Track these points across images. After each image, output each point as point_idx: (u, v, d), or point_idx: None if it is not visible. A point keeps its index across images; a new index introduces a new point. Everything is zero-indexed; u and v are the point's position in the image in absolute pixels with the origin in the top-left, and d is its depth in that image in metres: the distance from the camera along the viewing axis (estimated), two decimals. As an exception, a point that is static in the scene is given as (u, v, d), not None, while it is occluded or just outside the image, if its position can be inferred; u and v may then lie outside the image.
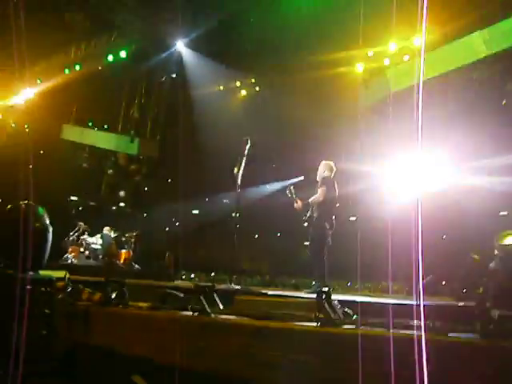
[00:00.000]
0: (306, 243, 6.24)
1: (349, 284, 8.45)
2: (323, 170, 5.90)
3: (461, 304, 3.04)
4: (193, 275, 9.72)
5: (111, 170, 12.07)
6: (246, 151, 5.03)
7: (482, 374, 1.54)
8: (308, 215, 5.66)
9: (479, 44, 7.38)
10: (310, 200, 5.66)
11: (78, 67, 10.46)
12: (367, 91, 8.76)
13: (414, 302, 2.66)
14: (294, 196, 5.74)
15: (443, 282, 7.36)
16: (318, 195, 5.60)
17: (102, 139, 12.08)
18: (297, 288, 7.46)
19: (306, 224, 5.71)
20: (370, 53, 9.06)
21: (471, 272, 3.07)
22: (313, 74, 9.21)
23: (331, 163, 5.97)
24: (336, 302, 2.38)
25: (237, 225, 5.75)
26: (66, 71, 10.55)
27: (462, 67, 7.74)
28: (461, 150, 8.00)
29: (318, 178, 5.86)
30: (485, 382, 1.53)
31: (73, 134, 12.47)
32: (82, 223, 9.40)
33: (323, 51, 8.70)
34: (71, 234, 9.18)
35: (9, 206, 3.12)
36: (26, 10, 7.96)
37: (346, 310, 2.36)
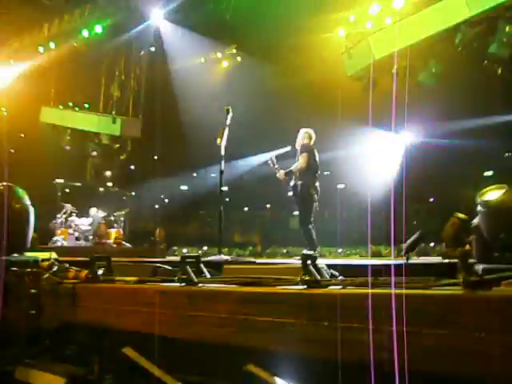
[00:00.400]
0: (295, 213, 6.26)
1: (340, 251, 8.57)
2: (302, 137, 5.86)
3: (446, 260, 3.09)
4: (185, 250, 9.77)
5: (95, 152, 11.86)
6: (228, 120, 4.95)
7: (464, 326, 1.55)
8: (292, 184, 5.65)
9: (461, 6, 7.24)
10: (292, 168, 5.62)
11: (52, 45, 10.13)
12: (350, 60, 8.60)
13: (398, 262, 2.69)
14: (276, 166, 5.71)
15: (432, 244, 7.51)
16: (300, 162, 5.57)
17: (83, 121, 11.79)
18: (289, 256, 7.55)
19: (290, 193, 5.71)
20: (352, 17, 8.89)
21: (457, 230, 3.10)
22: (295, 42, 9.04)
23: (310, 131, 5.92)
24: (324, 265, 2.39)
25: (225, 198, 5.72)
26: (41, 50, 10.22)
27: (444, 30, 7.62)
28: (444, 114, 8.01)
29: (297, 146, 5.82)
30: (467, 334, 1.55)
31: (52, 116, 12.17)
32: (68, 205, 9.31)
33: (304, 17, 8.51)
34: (58, 216, 9.09)
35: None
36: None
37: (332, 272, 2.38)
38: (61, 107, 12.30)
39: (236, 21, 9.16)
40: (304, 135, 5.86)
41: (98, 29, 9.51)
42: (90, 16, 9.34)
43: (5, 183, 3.42)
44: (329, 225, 8.29)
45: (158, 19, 9.45)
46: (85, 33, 9.71)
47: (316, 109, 8.86)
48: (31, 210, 3.31)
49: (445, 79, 8.09)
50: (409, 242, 3.11)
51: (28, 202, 3.35)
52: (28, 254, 3.33)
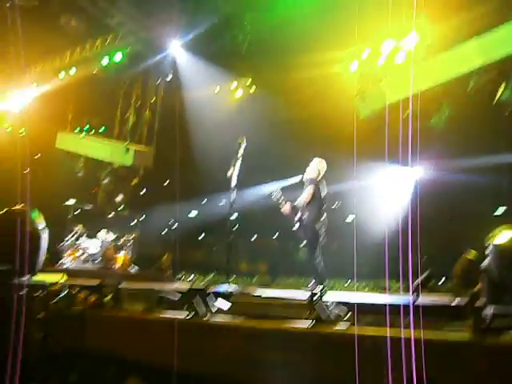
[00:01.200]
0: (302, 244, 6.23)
1: (349, 282, 8.45)
2: (312, 170, 5.85)
3: (455, 303, 3.05)
4: (191, 276, 9.72)
5: (107, 180, 12.00)
6: (240, 153, 5.01)
7: (474, 371, 1.54)
8: (297, 218, 5.64)
9: (475, 53, 7.37)
10: (296, 203, 5.63)
11: (72, 71, 10.46)
12: (363, 103, 8.71)
13: (407, 301, 2.66)
14: (281, 200, 5.71)
15: (442, 279, 7.39)
16: (305, 197, 5.57)
17: (97, 149, 11.96)
18: (296, 287, 7.47)
19: (296, 227, 5.69)
20: (364, 54, 9.07)
21: (467, 270, 3.07)
22: (307, 75, 9.22)
23: (323, 162, 5.94)
24: (331, 302, 2.38)
25: (234, 226, 5.73)
26: (62, 75, 10.55)
27: (459, 76, 7.76)
28: (455, 152, 8.06)
29: (305, 178, 5.83)
30: (478, 380, 1.53)
31: (68, 142, 12.42)
32: (78, 227, 9.39)
33: (318, 50, 8.71)
34: (68, 238, 9.16)
35: (2, 211, 3.11)
36: (21, 13, 7.99)
37: (338, 310, 2.36)
38: (76, 134, 12.54)
39: (251, 53, 9.40)
40: (314, 167, 5.87)
41: (118, 57, 9.82)
42: (110, 45, 9.67)
43: (19, 206, 3.48)
44: (338, 257, 8.24)
45: (175, 49, 9.72)
46: (105, 61, 10.03)
47: (327, 141, 8.95)
48: (45, 233, 3.35)
49: (457, 121, 8.20)
50: (419, 279, 3.09)
51: (42, 225, 3.39)
52: (37, 277, 3.35)
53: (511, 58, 7.08)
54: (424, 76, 7.70)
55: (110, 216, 11.12)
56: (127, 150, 11.12)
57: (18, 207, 3.37)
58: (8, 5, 7.86)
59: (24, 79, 10.16)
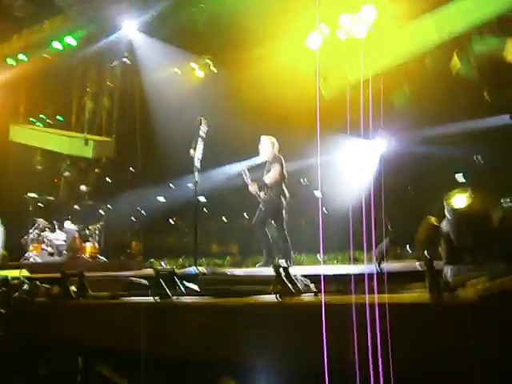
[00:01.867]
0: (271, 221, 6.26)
1: (318, 256, 8.63)
2: (269, 146, 5.85)
3: (418, 267, 3.15)
4: (162, 263, 9.65)
5: (68, 172, 11.54)
6: (202, 131, 4.94)
7: (433, 331, 1.60)
8: (264, 195, 5.67)
9: (431, 30, 7.48)
10: (267, 181, 5.63)
11: (22, 57, 9.95)
12: (326, 83, 8.72)
13: (370, 270, 2.73)
14: (249, 179, 5.74)
15: (407, 246, 7.65)
16: (275, 174, 5.58)
17: (54, 142, 11.42)
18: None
19: (261, 205, 5.71)
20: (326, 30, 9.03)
21: (429, 233, 3.17)
22: (267, 50, 9.13)
23: (273, 138, 5.94)
24: (298, 275, 2.41)
25: (202, 208, 5.71)
26: (10, 62, 10.03)
27: (414, 54, 7.88)
28: (416, 124, 8.27)
29: (266, 157, 5.82)
30: (436, 340, 1.59)
31: (22, 135, 11.84)
32: (41, 219, 9.10)
33: (278, 28, 8.61)
34: (31, 231, 8.88)
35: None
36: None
37: (304, 281, 2.40)
38: (30, 126, 11.98)
39: (208, 32, 9.22)
40: (270, 144, 5.84)
41: (71, 40, 9.40)
42: (60, 27, 9.23)
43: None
44: (306, 233, 8.35)
45: (130, 30, 9.40)
46: (56, 44, 9.57)
47: (290, 118, 8.94)
48: (0, 227, 3.22)
49: (417, 97, 8.37)
50: (379, 248, 3.17)
51: (-3, 220, 3.26)
52: (-2, 272, 3.24)
53: (466, 33, 7.24)
54: (383, 53, 7.78)
55: (74, 207, 10.83)
56: (86, 141, 10.74)
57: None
58: None
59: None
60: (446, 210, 2.64)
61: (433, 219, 3.54)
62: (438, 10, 7.51)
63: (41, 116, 13.06)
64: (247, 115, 9.43)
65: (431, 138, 8.25)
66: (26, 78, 10.37)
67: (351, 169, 8.76)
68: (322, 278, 2.50)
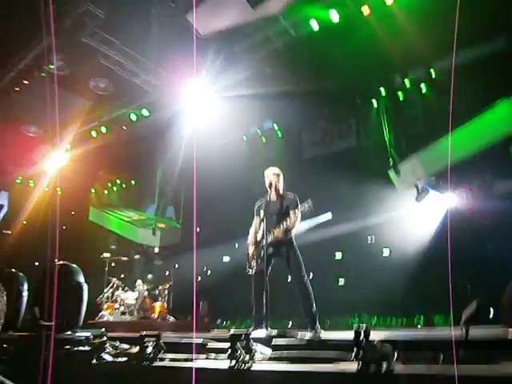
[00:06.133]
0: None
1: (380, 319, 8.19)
2: (282, 181, 5.22)
3: (508, 335, 2.85)
4: (228, 323, 9.57)
5: (138, 256, 11.96)
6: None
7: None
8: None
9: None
10: (287, 226, 4.95)
11: (104, 129, 10.97)
12: (399, 177, 8.70)
13: (455, 336, 2.53)
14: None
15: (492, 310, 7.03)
16: (296, 219, 4.96)
17: (125, 230, 12.39)
18: (337, 328, 7.27)
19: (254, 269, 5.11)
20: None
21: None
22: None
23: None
24: (376, 340, 2.29)
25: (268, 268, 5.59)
26: (94, 134, 11.08)
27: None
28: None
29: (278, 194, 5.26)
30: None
31: (99, 218, 13.03)
32: (115, 279, 9.52)
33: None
34: (105, 290, 9.28)
35: (46, 267, 3.22)
36: (53, 79, 8.57)
37: (384, 349, 2.26)
38: (106, 210, 13.02)
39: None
40: (281, 177, 5.22)
41: (145, 112, 10.28)
42: (137, 101, 10.13)
43: (60, 262, 3.60)
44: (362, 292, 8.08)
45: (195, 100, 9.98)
46: (133, 116, 10.50)
47: (354, 175, 8.92)
48: (85, 287, 3.42)
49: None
50: (467, 312, 2.88)
51: (82, 280, 3.48)
52: (80, 331, 3.40)
53: None
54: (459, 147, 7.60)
55: (144, 264, 11.27)
56: (154, 232, 11.39)
57: (59, 262, 3.50)
58: (43, 74, 8.47)
59: (59, 141, 10.72)
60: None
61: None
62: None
63: (117, 181, 14.12)
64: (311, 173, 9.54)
65: (505, 192, 7.81)
66: (105, 147, 11.34)
67: (422, 224, 8.44)
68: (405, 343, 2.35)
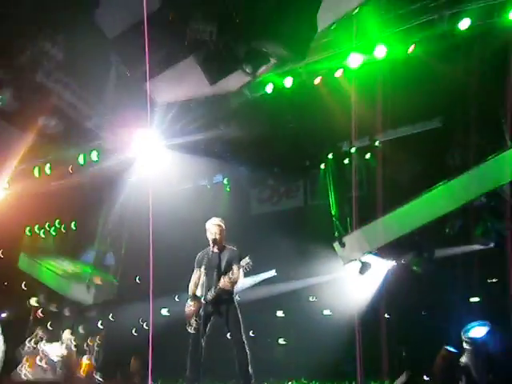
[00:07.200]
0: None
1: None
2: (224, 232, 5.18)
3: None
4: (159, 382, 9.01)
5: (67, 312, 11.28)
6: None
7: None
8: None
9: (447, 200, 7.75)
10: (232, 278, 4.83)
11: (47, 169, 10.55)
12: (343, 251, 8.95)
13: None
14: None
15: (425, 377, 7.13)
16: (239, 276, 4.86)
17: (57, 282, 11.44)
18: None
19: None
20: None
21: (445, 369, 3.01)
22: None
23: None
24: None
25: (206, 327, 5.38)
26: (36, 173, 10.61)
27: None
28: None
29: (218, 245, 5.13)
30: None
31: (29, 266, 12.09)
32: (39, 328, 8.79)
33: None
34: (27, 342, 8.51)
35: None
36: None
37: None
38: (39, 260, 12.19)
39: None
40: (222, 228, 5.14)
41: (94, 156, 10.05)
42: (87, 144, 9.93)
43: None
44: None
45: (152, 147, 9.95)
46: (80, 159, 10.23)
47: (299, 234, 9.09)
48: (1, 341, 3.07)
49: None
50: (398, 382, 2.96)
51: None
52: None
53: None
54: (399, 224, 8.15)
55: (76, 314, 10.55)
56: (88, 287, 10.80)
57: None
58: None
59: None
60: (465, 343, 2.54)
61: (450, 349, 3.38)
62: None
63: (55, 223, 13.41)
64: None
65: (440, 259, 8.23)
66: (46, 188, 10.86)
67: (358, 287, 8.63)
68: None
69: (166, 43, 5.93)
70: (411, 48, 6.67)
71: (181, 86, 7.16)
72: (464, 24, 6.31)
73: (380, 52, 6.85)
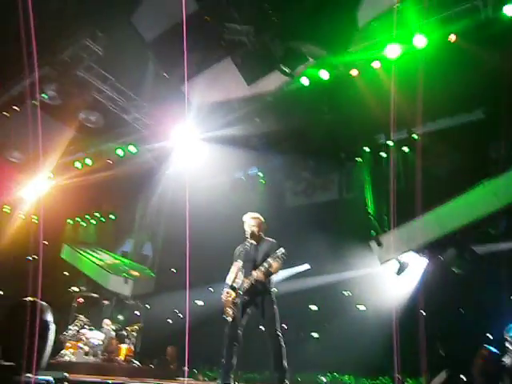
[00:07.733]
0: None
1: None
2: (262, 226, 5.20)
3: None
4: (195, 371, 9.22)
5: (107, 302, 11.45)
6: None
7: None
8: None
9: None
10: (269, 269, 4.82)
11: (88, 161, 10.93)
12: (380, 250, 8.70)
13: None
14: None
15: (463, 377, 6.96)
16: (278, 266, 4.85)
17: (96, 273, 11.79)
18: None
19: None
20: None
21: (486, 370, 2.92)
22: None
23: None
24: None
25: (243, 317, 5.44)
26: (78, 165, 11.01)
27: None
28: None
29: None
30: None
31: (71, 257, 12.60)
32: (82, 316, 9.12)
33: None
34: (70, 327, 8.88)
35: (13, 303, 3.04)
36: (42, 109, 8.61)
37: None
38: (81, 250, 12.65)
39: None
40: (259, 222, 5.18)
41: (132, 148, 10.33)
42: (126, 137, 10.21)
43: (29, 298, 3.40)
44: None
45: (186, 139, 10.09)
46: (119, 152, 10.54)
47: (334, 227, 9.01)
48: (52, 327, 3.21)
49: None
50: (435, 382, 2.89)
51: (50, 319, 3.27)
52: (41, 374, 3.19)
53: None
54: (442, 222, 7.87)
55: (114, 302, 10.90)
56: (126, 280, 11.05)
57: (28, 299, 3.32)
58: (35, 102, 8.50)
59: (41, 168, 10.62)
60: (507, 343, 2.46)
61: (490, 351, 3.29)
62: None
63: (95, 214, 13.90)
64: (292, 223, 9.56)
65: (482, 254, 7.95)
66: (87, 179, 11.25)
67: (399, 284, 8.46)
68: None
69: (203, 45, 5.96)
70: (452, 36, 6.43)
71: (218, 87, 7.20)
72: (509, 9, 6.05)
73: (419, 41, 6.65)
